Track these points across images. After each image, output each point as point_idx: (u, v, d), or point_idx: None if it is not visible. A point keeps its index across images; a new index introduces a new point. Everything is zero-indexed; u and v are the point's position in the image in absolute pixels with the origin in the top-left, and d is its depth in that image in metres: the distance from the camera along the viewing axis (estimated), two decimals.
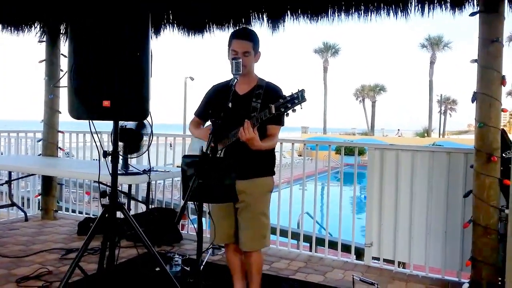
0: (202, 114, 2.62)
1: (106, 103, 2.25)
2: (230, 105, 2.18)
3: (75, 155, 5.69)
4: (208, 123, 2.58)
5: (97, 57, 2.27)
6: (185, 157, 2.38)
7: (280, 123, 2.40)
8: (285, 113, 2.06)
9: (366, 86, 54.09)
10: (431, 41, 45.48)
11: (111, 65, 2.26)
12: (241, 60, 2.26)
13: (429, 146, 3.97)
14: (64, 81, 2.38)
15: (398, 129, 49.77)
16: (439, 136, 43.75)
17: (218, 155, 2.26)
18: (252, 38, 2.43)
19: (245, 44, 2.38)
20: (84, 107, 2.31)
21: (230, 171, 2.18)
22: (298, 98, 2.03)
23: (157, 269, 2.87)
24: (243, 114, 2.31)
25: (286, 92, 2.12)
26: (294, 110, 2.06)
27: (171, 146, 4.72)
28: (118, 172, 2.52)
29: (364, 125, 54.52)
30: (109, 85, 2.26)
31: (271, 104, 2.08)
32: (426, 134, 41.55)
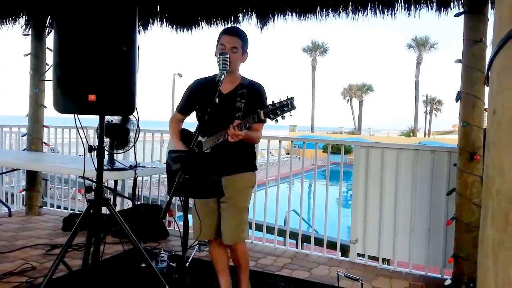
0: (184, 109, 2.59)
1: (91, 97, 2.24)
2: (217, 100, 2.18)
3: (61, 150, 5.62)
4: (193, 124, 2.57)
5: (83, 51, 2.24)
6: (171, 152, 2.38)
7: (264, 120, 2.40)
8: (274, 119, 2.05)
9: (354, 86, 54.42)
10: (417, 42, 45.94)
11: (97, 59, 2.24)
12: (228, 56, 2.27)
13: (414, 145, 4.01)
14: (49, 75, 2.34)
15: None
16: (425, 136, 44.23)
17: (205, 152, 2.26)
18: (242, 36, 2.44)
19: (234, 40, 2.39)
20: (69, 101, 2.29)
21: (216, 166, 2.18)
22: (287, 105, 2.02)
23: (143, 265, 2.86)
24: (226, 113, 2.31)
25: (275, 98, 2.09)
26: (283, 117, 2.06)
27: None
28: (104, 167, 2.50)
29: (351, 124, 54.98)
30: (95, 79, 2.24)
31: (258, 108, 2.07)
32: (411, 134, 41.99)
